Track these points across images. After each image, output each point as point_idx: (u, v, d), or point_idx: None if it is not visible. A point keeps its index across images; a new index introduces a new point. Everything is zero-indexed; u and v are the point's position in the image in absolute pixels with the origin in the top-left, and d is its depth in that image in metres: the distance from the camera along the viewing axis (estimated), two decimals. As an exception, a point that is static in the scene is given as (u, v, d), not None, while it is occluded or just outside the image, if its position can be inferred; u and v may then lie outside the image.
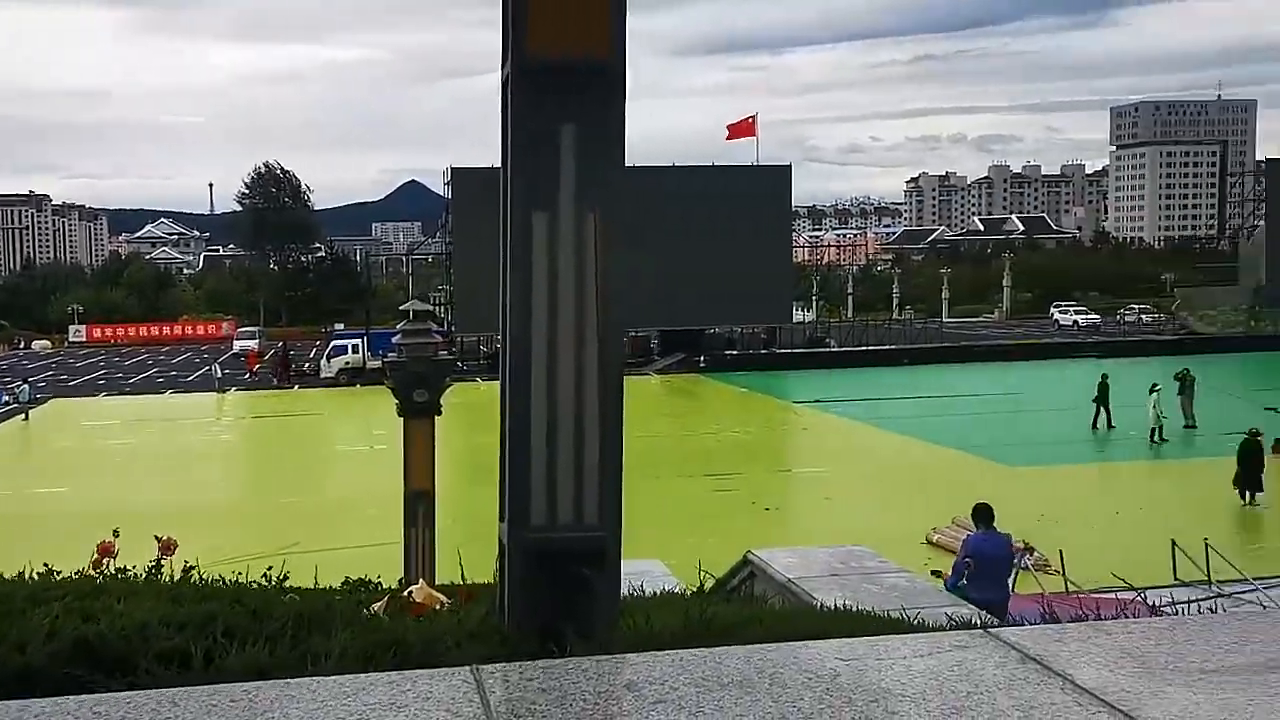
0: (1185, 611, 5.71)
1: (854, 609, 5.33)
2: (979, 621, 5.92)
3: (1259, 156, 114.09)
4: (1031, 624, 4.12)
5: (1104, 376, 32.77)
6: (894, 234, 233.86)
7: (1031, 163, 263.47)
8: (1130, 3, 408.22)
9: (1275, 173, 61.31)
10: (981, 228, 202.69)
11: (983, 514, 10.56)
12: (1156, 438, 29.35)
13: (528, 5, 3.08)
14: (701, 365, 52.48)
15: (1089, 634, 2.76)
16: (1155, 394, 29.75)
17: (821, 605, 5.99)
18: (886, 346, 57.59)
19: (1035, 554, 16.58)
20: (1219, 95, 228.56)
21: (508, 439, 3.17)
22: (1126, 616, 4.77)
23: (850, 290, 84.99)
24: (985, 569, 9.82)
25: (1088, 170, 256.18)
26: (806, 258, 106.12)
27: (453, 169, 54.48)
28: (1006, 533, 10.78)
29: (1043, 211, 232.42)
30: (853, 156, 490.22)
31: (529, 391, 3.11)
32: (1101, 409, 31.82)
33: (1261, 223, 59.47)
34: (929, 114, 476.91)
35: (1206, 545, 12.17)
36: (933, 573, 12.72)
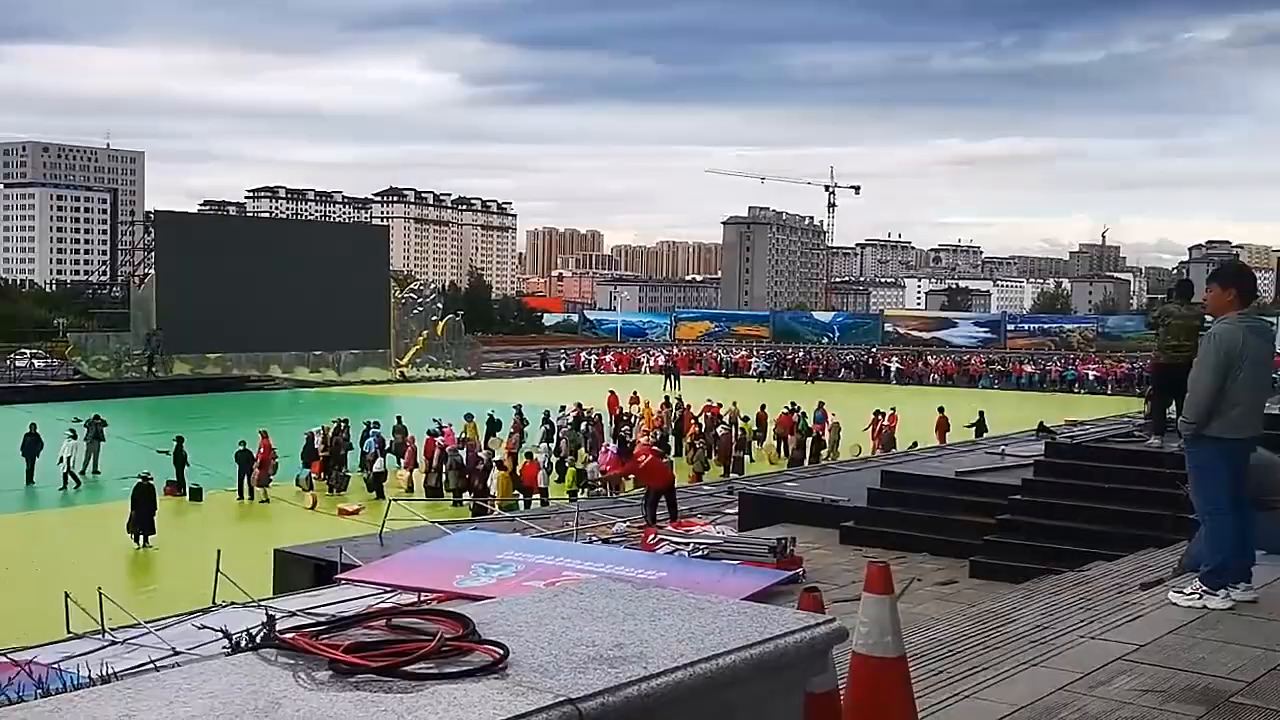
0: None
1: None
2: None
3: (148, 207, 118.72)
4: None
5: (32, 426, 31.36)
6: None
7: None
8: (15, 39, 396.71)
9: (164, 224, 64.45)
10: None
11: None
12: (67, 485, 29.05)
13: None
14: None
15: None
16: (71, 440, 29.62)
17: None
18: None
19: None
20: (108, 144, 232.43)
21: None
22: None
23: None
24: None
25: None
26: None
27: None
28: None
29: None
30: None
31: None
32: (30, 458, 30.48)
33: (151, 271, 61.88)
34: None
35: (100, 594, 12.27)
36: None
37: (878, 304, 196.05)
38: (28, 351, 69.19)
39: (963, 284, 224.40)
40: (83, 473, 30.40)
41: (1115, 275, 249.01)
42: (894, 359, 77.52)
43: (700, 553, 11.30)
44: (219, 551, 14.28)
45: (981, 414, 38.18)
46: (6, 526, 25.28)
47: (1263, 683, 4.67)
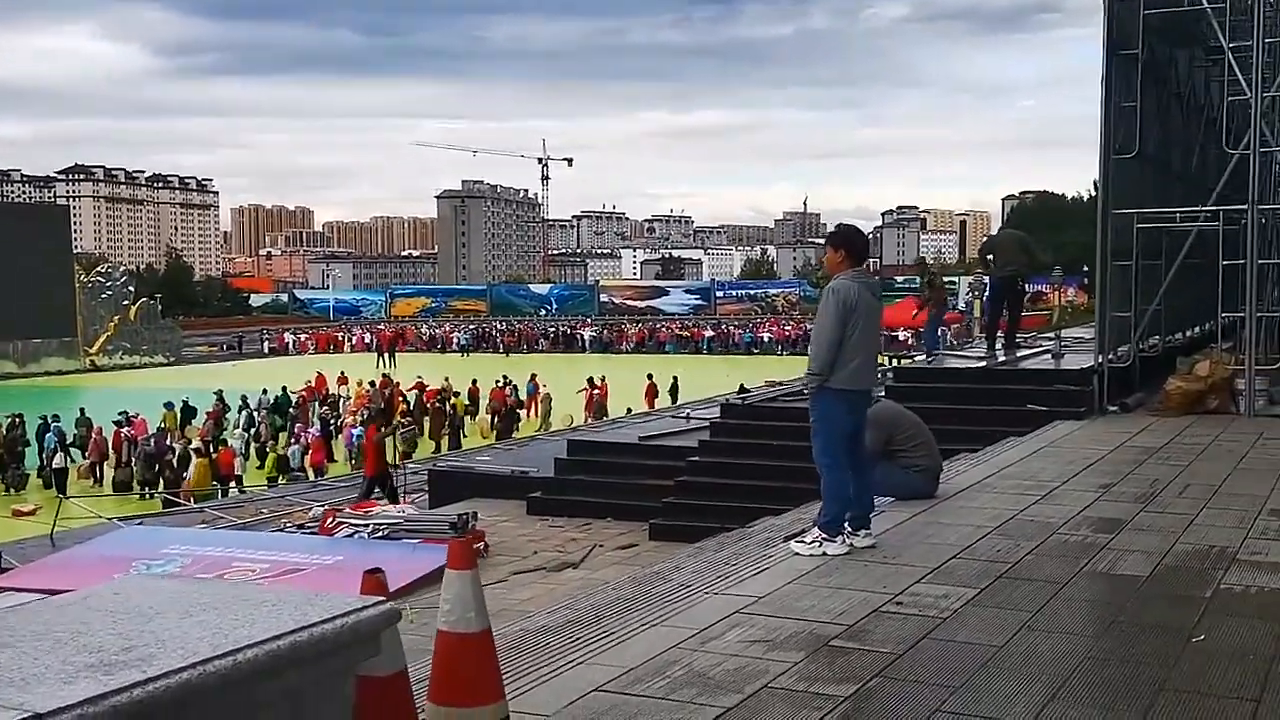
0: None
1: None
2: None
3: None
4: None
5: None
6: None
7: None
8: None
9: None
10: None
11: None
12: None
13: None
14: None
15: None
16: None
17: None
18: None
19: None
20: None
21: None
22: None
23: None
24: None
25: None
26: None
27: None
28: None
29: None
30: None
31: None
32: None
33: None
34: None
35: None
36: None
37: (595, 275, 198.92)
38: None
39: (676, 253, 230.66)
40: None
41: (817, 241, 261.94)
42: (587, 329, 79.47)
43: (380, 533, 11.12)
44: None
45: (675, 379, 39.32)
46: None
47: (863, 624, 4.99)
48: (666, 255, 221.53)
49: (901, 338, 50.08)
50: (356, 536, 11.13)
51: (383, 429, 20.70)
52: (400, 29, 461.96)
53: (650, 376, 38.53)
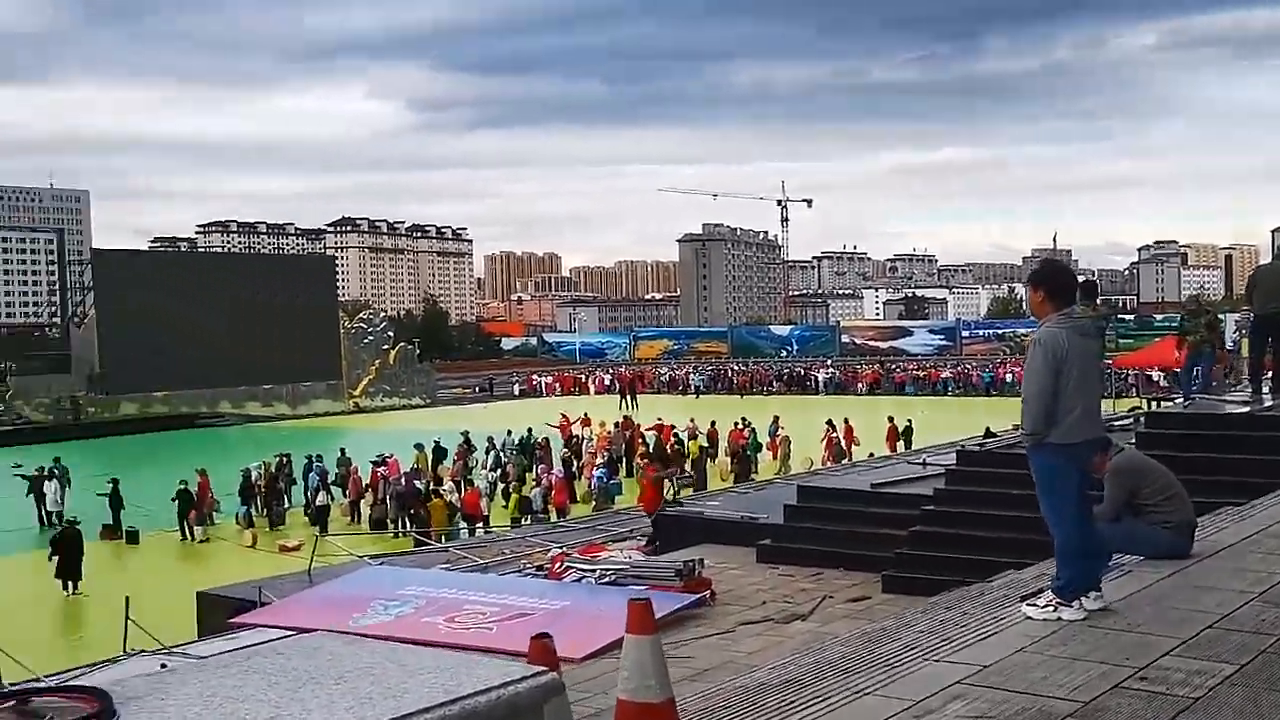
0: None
1: None
2: None
3: (96, 245, 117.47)
4: None
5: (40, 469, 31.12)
6: None
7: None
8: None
9: (103, 262, 63.54)
10: None
11: None
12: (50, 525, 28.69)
13: None
14: None
15: None
16: (50, 482, 29.84)
17: None
18: None
19: None
20: (51, 184, 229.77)
21: None
22: None
23: None
24: None
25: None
26: None
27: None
28: None
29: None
30: None
31: None
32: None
33: (93, 310, 61.00)
34: None
35: (-2, 648, 11.89)
36: None
37: (836, 315, 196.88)
38: (-28, 397, 68.20)
39: (919, 292, 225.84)
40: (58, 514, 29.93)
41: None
42: (822, 370, 78.38)
43: (607, 579, 11.09)
44: (127, 599, 13.93)
45: (910, 422, 38.13)
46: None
47: (1100, 702, 4.51)
48: (910, 294, 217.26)
49: (1155, 378, 47.12)
50: (584, 581, 11.14)
51: (661, 470, 20.74)
52: (645, 77, 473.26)
53: (890, 419, 37.59)
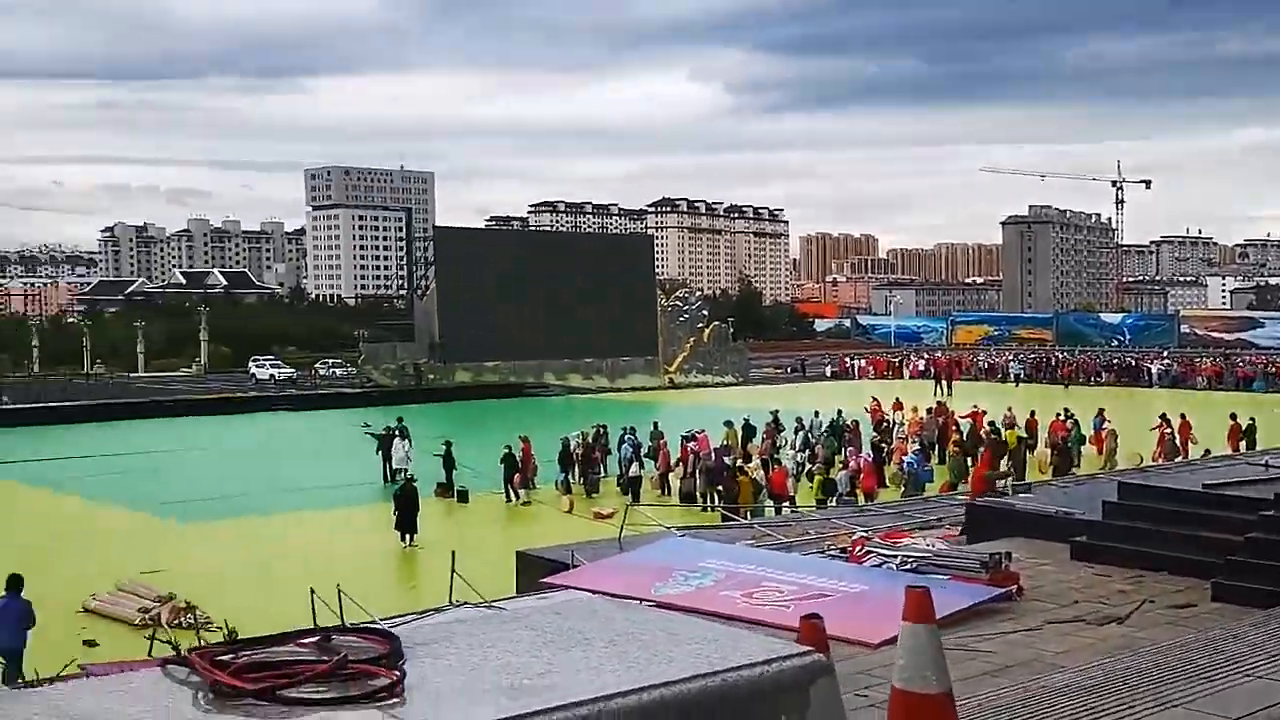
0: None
1: None
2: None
3: (439, 223, 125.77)
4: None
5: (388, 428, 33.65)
6: (89, 284, 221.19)
7: (231, 217, 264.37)
8: (318, 72, 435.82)
9: (443, 239, 68.03)
10: (184, 280, 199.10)
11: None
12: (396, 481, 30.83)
13: None
14: None
15: None
16: (399, 440, 31.70)
17: None
18: (71, 403, 54.01)
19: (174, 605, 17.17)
20: (402, 166, 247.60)
21: None
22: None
23: (35, 343, 79.85)
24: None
25: (288, 228, 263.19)
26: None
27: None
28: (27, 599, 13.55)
29: (245, 266, 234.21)
30: (37, 200, 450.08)
31: None
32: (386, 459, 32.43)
33: (433, 284, 65.44)
34: (118, 162, 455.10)
35: (339, 591, 12.98)
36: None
37: (1175, 304, 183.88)
38: (330, 361, 74.87)
39: (1273, 281, 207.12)
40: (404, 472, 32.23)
41: None
42: (1157, 361, 73.04)
43: (908, 566, 10.85)
44: (453, 554, 14.87)
45: (1252, 420, 34.94)
46: (298, 523, 27.25)
47: None
48: (1262, 283, 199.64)
49: None
50: (885, 567, 10.96)
51: (993, 471, 20.19)
52: (969, 56, 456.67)
53: (1233, 416, 34.75)
